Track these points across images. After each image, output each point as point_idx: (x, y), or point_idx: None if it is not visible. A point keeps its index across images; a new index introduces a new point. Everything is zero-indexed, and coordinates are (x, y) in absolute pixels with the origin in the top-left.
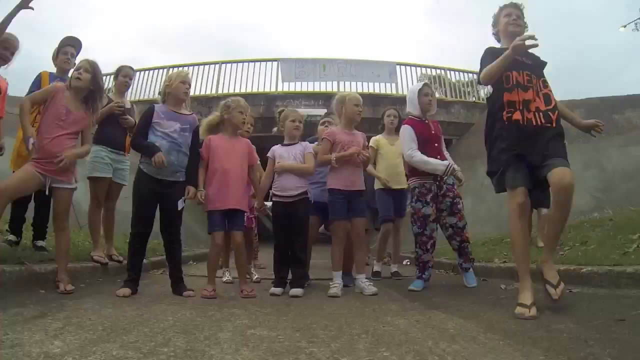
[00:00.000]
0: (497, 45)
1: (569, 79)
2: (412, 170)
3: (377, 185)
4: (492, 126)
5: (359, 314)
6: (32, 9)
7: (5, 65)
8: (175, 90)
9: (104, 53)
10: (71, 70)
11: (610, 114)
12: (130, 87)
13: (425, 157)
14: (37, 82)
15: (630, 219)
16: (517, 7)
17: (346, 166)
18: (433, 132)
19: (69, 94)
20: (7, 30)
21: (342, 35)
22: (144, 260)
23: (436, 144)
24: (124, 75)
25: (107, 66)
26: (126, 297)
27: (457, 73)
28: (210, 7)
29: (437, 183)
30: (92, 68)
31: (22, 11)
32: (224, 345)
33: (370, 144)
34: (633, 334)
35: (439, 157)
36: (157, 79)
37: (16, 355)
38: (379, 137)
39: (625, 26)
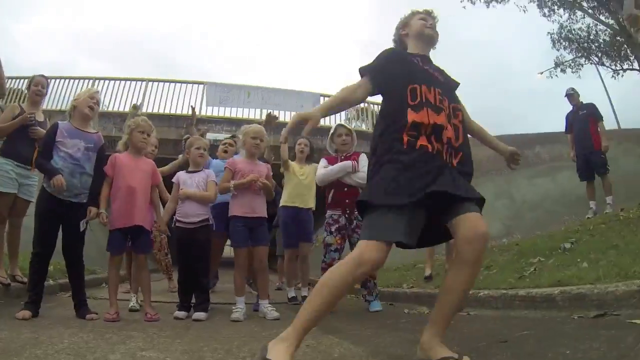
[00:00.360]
0: None
1: (489, 118)
2: (327, 201)
3: (282, 202)
4: (384, 145)
5: (254, 338)
6: None
7: None
8: (81, 105)
9: (32, 52)
10: None
11: (522, 149)
12: (47, 97)
13: (329, 168)
14: None
15: (533, 244)
16: (432, 17)
17: (246, 193)
18: None
19: None
20: None
21: (272, 63)
22: (51, 282)
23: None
24: (36, 84)
25: (34, 68)
26: (25, 319)
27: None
28: (142, 16)
29: (346, 216)
30: None
31: None
32: None
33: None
34: (511, 355)
35: (346, 189)
36: (80, 89)
37: None
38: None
39: (542, 73)
